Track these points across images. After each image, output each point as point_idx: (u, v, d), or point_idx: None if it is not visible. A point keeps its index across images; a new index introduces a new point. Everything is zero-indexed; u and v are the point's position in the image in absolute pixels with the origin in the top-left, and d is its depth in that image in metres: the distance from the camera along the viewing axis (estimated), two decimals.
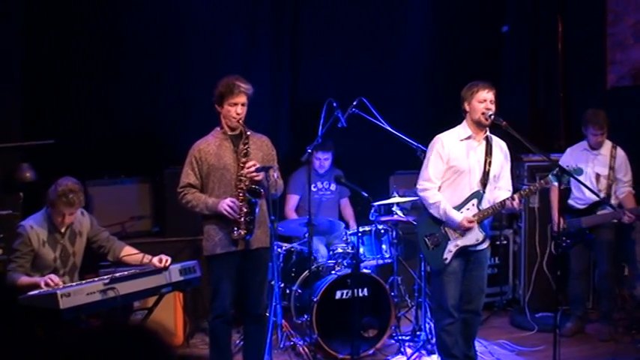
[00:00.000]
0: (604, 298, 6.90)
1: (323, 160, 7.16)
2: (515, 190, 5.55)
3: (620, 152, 6.78)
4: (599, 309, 7.00)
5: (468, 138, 5.43)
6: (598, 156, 6.76)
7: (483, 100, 5.34)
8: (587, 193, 6.74)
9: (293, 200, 7.29)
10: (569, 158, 6.73)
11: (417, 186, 5.54)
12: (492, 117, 5.30)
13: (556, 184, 5.63)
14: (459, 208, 5.38)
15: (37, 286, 5.02)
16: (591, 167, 6.71)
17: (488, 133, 5.47)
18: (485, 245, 5.49)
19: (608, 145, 6.80)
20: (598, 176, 6.53)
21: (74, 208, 5.25)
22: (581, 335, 6.93)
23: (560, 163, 6.28)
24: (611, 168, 6.73)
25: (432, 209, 5.43)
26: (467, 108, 5.42)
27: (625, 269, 7.88)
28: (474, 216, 5.35)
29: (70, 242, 5.38)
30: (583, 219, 6.75)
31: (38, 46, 6.61)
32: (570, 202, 6.86)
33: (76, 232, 5.44)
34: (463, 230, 5.35)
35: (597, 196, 6.36)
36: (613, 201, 6.68)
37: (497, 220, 7.20)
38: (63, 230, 5.35)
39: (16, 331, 5.05)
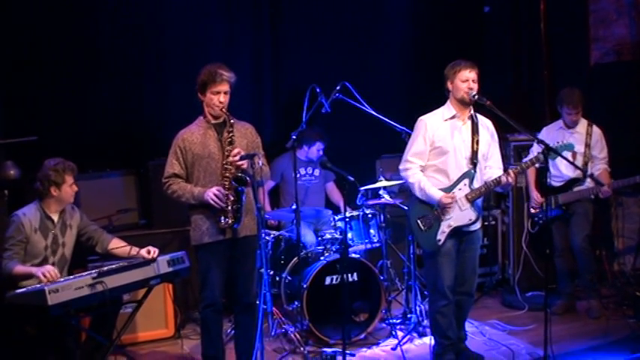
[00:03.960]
0: (582, 272, 6.89)
1: (322, 151, 7.12)
2: (503, 170, 5.53)
3: (596, 130, 6.79)
4: (581, 284, 7.00)
5: (452, 118, 5.42)
6: (574, 134, 6.75)
7: (466, 80, 5.33)
8: (564, 170, 6.76)
9: (266, 185, 7.11)
10: (545, 137, 6.68)
11: (400, 166, 5.55)
12: (476, 97, 5.30)
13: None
14: (450, 188, 5.37)
15: (31, 275, 5.00)
16: None
17: (472, 112, 5.46)
18: (478, 225, 5.50)
19: (584, 123, 6.81)
20: (574, 154, 6.52)
21: (74, 173, 5.35)
22: (572, 313, 6.96)
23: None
24: (587, 145, 6.73)
25: (412, 188, 5.45)
26: (449, 87, 5.42)
27: (614, 245, 7.90)
28: (466, 195, 5.35)
29: (61, 233, 5.40)
30: (560, 196, 6.77)
31: (16, 42, 6.55)
32: (547, 179, 6.86)
33: (67, 224, 5.45)
34: (442, 207, 5.33)
35: (581, 170, 6.40)
36: (588, 178, 6.68)
37: (485, 200, 7.19)
38: (55, 219, 5.36)
39: (6, 331, 5.03)
